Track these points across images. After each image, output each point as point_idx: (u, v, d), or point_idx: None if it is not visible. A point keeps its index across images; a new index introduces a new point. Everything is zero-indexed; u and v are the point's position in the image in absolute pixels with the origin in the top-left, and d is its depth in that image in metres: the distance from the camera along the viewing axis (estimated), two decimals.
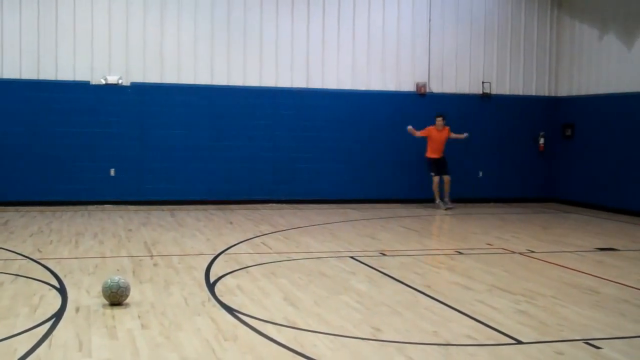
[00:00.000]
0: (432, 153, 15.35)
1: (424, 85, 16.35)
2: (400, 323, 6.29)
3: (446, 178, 15.27)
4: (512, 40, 17.00)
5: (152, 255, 9.31)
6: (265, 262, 8.95)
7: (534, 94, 17.19)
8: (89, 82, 14.47)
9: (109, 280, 6.71)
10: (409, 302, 7.06)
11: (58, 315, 6.30)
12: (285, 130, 15.49)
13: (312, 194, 15.63)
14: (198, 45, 15.04)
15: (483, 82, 16.77)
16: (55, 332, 5.82)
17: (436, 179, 15.34)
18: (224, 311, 6.56)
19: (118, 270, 8.28)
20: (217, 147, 15.15)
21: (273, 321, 6.23)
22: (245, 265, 8.71)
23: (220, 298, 7.04)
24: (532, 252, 10.15)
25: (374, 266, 8.85)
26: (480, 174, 16.80)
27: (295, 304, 6.90)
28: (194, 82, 15.03)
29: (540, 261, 9.49)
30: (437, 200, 15.40)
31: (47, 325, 6.00)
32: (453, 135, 15.34)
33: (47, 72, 14.26)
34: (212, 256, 9.28)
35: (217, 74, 15.15)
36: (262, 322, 6.19)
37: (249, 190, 15.35)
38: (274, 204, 15.26)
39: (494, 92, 16.84)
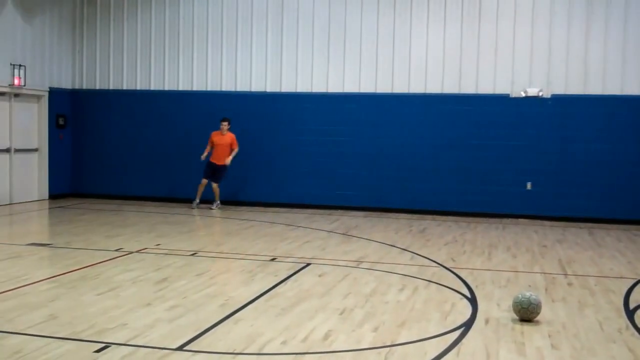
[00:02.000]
0: None
1: None
2: None
3: None
4: None
5: (566, 274, 8.87)
6: None
7: None
8: (508, 94, 14.48)
9: (520, 296, 6.53)
10: None
11: (468, 325, 6.30)
12: None
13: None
14: (626, 52, 14.02)
15: None
16: (464, 341, 5.82)
17: None
18: None
19: (530, 286, 8.05)
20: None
21: None
22: None
23: None
24: None
25: None
26: None
27: None
28: (620, 92, 14.05)
29: None
30: None
31: (457, 333, 6.04)
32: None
33: (468, 86, 14.67)
34: (634, 281, 8.49)
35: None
36: None
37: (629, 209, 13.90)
38: None
39: None
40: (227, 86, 15.85)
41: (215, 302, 6.94)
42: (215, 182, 14.94)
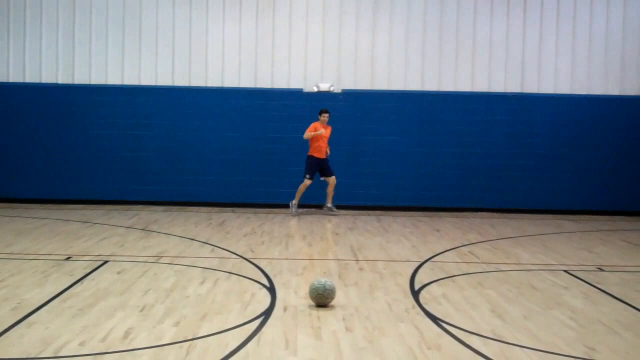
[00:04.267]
0: None
1: None
2: (619, 344, 5.80)
3: None
4: None
5: (358, 260, 9.38)
6: (472, 272, 8.69)
7: None
8: (302, 89, 14.98)
9: (316, 282, 6.84)
10: (630, 322, 6.50)
11: (267, 313, 6.51)
12: (498, 137, 15.01)
13: (525, 203, 15.00)
14: (409, 51, 15.03)
15: None
16: (264, 329, 6.00)
17: None
18: (428, 319, 6.43)
19: (325, 272, 8.42)
20: (427, 153, 15.01)
21: (479, 333, 6.00)
22: (451, 274, 8.51)
23: (425, 306, 6.91)
24: None
25: (590, 282, 8.28)
26: None
27: (503, 316, 6.61)
28: (404, 88, 15.04)
29: None
30: None
31: (257, 322, 6.22)
32: None
33: (264, 80, 14.99)
34: (418, 263, 9.17)
35: (428, 79, 15.04)
36: (467, 333, 5.97)
37: (458, 198, 15.05)
38: (484, 213, 14.84)
39: None
40: (14, 77, 14.96)
41: (6, 306, 6.61)
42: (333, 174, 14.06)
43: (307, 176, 13.86)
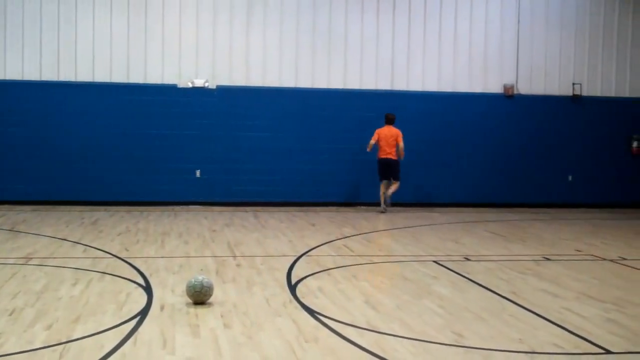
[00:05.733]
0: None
1: (512, 87, 16.00)
2: (484, 329, 6.13)
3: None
4: (605, 40, 16.44)
5: (235, 256, 9.41)
6: (347, 265, 8.91)
7: (627, 95, 16.57)
8: (176, 85, 14.81)
9: (193, 280, 6.81)
10: (494, 309, 6.88)
11: (143, 313, 6.42)
12: (370, 134, 15.38)
13: (396, 196, 15.48)
14: (283, 48, 15.17)
15: (573, 84, 16.28)
16: (140, 329, 5.93)
17: None
18: (305, 313, 6.55)
19: (202, 269, 8.39)
20: (302, 149, 15.22)
21: (354, 324, 6.18)
22: (326, 268, 8.69)
23: (302, 300, 7.03)
24: (624, 259, 9.76)
25: (457, 271, 8.69)
26: (570, 178, 16.30)
27: (377, 307, 6.83)
28: (279, 84, 15.16)
29: (632, 269, 9.11)
30: None
31: (133, 322, 6.13)
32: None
33: (137, 76, 14.70)
34: (294, 258, 9.31)
35: (301, 76, 15.24)
36: (343, 325, 6.14)
37: (333, 193, 15.34)
38: (358, 207, 15.21)
39: (584, 93, 16.31)
40: None
41: None
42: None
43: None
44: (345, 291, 7.46)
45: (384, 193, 14.53)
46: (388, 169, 14.56)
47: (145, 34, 14.74)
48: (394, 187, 14.60)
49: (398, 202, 15.31)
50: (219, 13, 14.94)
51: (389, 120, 14.61)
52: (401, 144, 14.41)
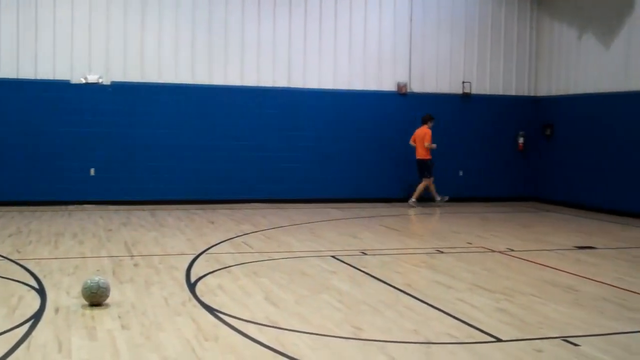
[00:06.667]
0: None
1: (405, 85, 16.41)
2: (381, 322, 6.31)
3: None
4: (493, 40, 17.09)
5: (132, 256, 9.27)
6: (246, 262, 8.94)
7: (513, 93, 17.30)
8: (69, 80, 14.39)
9: (89, 281, 6.68)
10: (390, 301, 7.09)
11: (37, 316, 6.25)
12: (269, 130, 15.48)
13: (294, 193, 15.63)
14: (179, 45, 15.01)
15: (463, 82, 16.86)
16: (34, 333, 5.77)
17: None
18: (204, 311, 6.55)
19: (98, 270, 8.23)
20: (200, 147, 15.12)
21: (254, 321, 6.23)
22: (226, 265, 8.70)
23: (201, 298, 7.02)
24: (512, 250, 10.22)
25: (355, 265, 8.87)
26: (461, 173, 16.88)
27: (277, 303, 6.90)
28: (175, 81, 14.99)
29: (520, 259, 9.56)
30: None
31: (26, 326, 5.96)
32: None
33: (27, 71, 14.19)
34: (193, 256, 9.26)
35: (198, 73, 15.13)
36: (243, 322, 6.18)
37: (232, 190, 15.32)
38: (257, 204, 15.25)
39: (474, 91, 16.93)
40: None
41: None
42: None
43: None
44: (245, 288, 7.50)
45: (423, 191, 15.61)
46: (417, 168, 15.63)
47: (36, 27, 14.23)
48: (419, 186, 15.55)
49: (294, 198, 15.46)
50: (113, 7, 14.60)
51: (422, 121, 15.57)
52: (425, 143, 15.35)
